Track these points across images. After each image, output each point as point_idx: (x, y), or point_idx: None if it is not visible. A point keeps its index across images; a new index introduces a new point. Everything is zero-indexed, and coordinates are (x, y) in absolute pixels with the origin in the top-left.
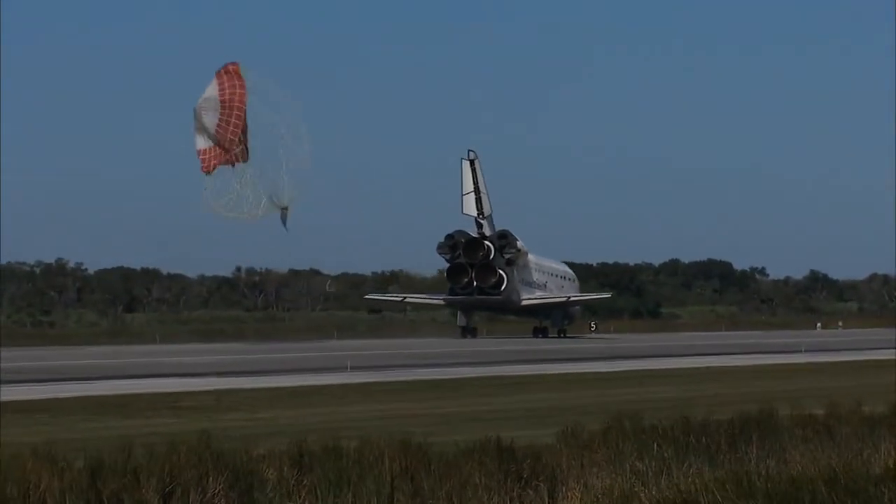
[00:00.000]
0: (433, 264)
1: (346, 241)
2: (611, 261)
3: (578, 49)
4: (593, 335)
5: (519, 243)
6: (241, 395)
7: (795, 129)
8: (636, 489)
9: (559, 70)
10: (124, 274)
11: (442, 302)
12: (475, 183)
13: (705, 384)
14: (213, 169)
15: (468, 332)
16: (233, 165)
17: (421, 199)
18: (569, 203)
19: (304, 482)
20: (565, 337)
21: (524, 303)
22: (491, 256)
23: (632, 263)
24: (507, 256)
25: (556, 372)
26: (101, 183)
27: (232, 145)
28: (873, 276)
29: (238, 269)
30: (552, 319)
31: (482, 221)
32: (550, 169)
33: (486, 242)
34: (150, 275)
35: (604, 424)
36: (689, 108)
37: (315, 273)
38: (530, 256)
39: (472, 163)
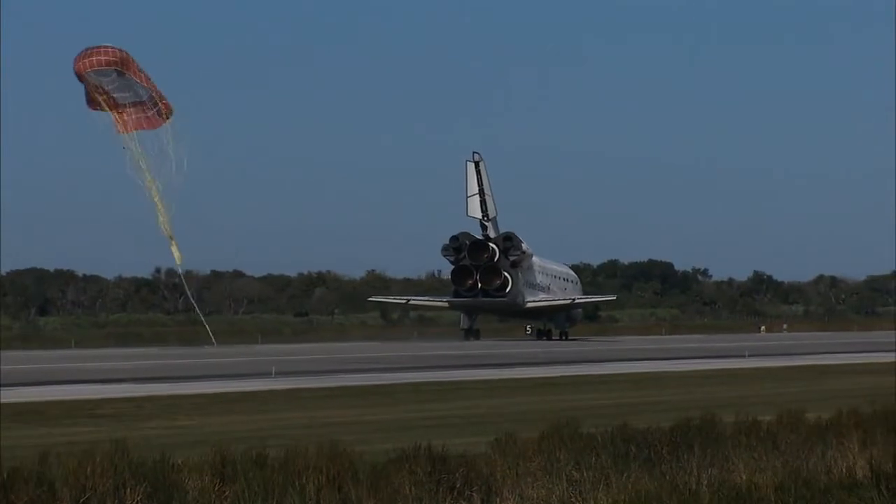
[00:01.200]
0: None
1: (270, 242)
2: None
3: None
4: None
5: (524, 245)
6: (162, 401)
7: (740, 124)
8: (573, 499)
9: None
10: (37, 276)
11: (446, 304)
12: (480, 185)
13: (646, 390)
14: (134, 129)
15: (471, 334)
16: (166, 119)
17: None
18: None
19: (227, 493)
20: (568, 339)
21: (528, 305)
22: (496, 258)
23: (569, 264)
24: (511, 258)
25: (493, 377)
26: (9, 182)
27: (155, 96)
28: (819, 278)
29: (157, 270)
30: (555, 322)
31: (487, 224)
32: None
33: (491, 244)
34: (65, 276)
35: (540, 432)
36: (627, 102)
37: (238, 275)
38: (534, 259)
39: (476, 165)
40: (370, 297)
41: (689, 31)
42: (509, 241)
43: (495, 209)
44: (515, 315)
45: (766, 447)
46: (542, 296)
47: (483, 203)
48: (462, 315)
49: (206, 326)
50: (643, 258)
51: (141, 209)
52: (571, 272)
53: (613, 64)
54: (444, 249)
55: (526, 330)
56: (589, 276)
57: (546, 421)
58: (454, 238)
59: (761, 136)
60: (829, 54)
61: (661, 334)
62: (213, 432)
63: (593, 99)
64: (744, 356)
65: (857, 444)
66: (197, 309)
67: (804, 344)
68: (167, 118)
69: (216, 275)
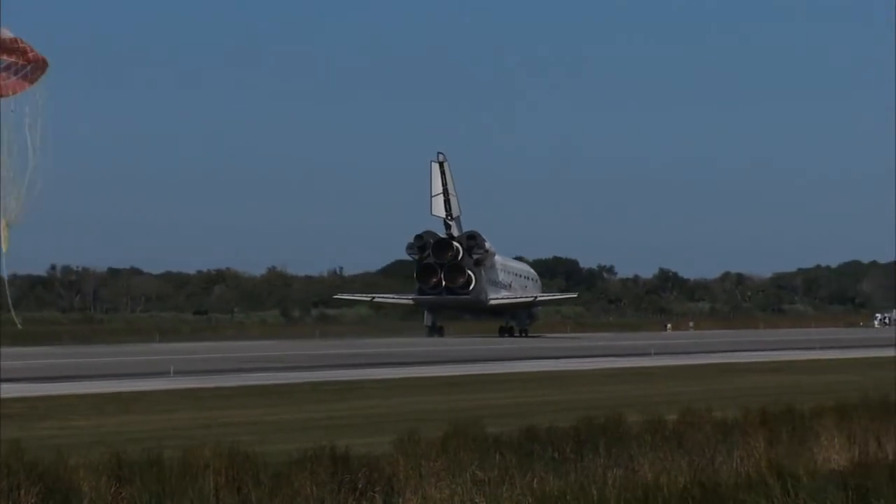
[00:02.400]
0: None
1: (168, 239)
2: None
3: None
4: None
5: (487, 244)
6: (57, 402)
7: (646, 121)
8: (477, 499)
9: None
10: None
11: (411, 301)
12: (444, 185)
13: (550, 389)
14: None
15: (435, 331)
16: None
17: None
18: (393, 194)
19: (123, 494)
20: (528, 336)
21: (491, 302)
22: (460, 257)
23: None
24: (475, 257)
25: (395, 376)
26: None
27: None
28: (725, 276)
29: (53, 267)
30: (517, 319)
31: (451, 223)
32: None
33: (455, 243)
34: None
35: (444, 432)
36: (537, 96)
37: (136, 272)
38: (497, 257)
39: (441, 165)
40: (349, 294)
41: (623, 31)
42: (473, 240)
43: (459, 208)
44: (479, 312)
45: (672, 446)
46: (504, 293)
47: (447, 202)
48: (425, 312)
49: (11, 310)
50: (548, 255)
51: (35, 204)
52: (531, 270)
53: (541, 60)
54: (409, 248)
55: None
56: None
57: (449, 421)
58: (418, 237)
59: (668, 132)
60: (746, 50)
61: (566, 332)
62: (109, 433)
63: (505, 94)
64: (650, 354)
65: (762, 443)
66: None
67: (710, 342)
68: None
69: (113, 272)
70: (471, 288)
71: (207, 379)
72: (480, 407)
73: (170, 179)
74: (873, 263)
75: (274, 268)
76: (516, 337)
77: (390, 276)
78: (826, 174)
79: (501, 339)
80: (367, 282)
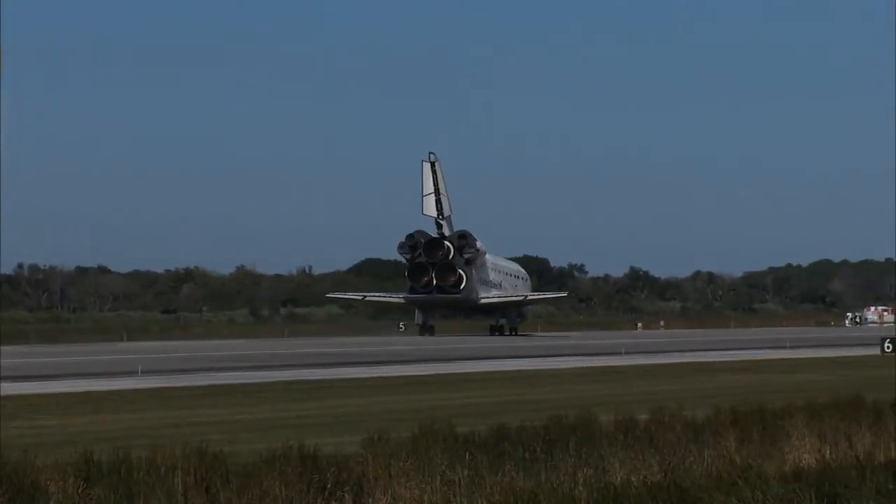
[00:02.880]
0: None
1: (136, 237)
2: None
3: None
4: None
5: (478, 243)
6: (24, 401)
7: (616, 119)
8: (447, 499)
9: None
10: None
11: (402, 300)
12: (436, 184)
13: (521, 388)
14: None
15: (426, 329)
16: None
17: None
18: (364, 192)
19: (92, 495)
20: (518, 335)
21: (482, 301)
22: (451, 256)
23: None
24: (466, 256)
25: (364, 375)
26: None
27: None
28: (696, 274)
29: (20, 265)
30: (508, 318)
31: (442, 222)
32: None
33: (446, 242)
34: None
35: (414, 431)
36: (503, 99)
37: (104, 271)
38: (487, 256)
39: (432, 164)
40: (341, 293)
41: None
42: (464, 239)
43: (450, 208)
44: (470, 311)
45: (643, 446)
46: (494, 292)
47: (438, 202)
48: (416, 311)
49: None
50: (518, 253)
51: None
52: (521, 269)
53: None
54: (400, 247)
55: (399, 327)
56: None
57: (419, 420)
58: (410, 236)
59: (638, 129)
60: (718, 46)
61: (537, 331)
62: (77, 432)
63: (479, 89)
64: (620, 353)
65: (733, 442)
66: None
67: (681, 341)
68: None
69: (81, 271)
70: (462, 287)
71: (176, 378)
72: (451, 406)
73: (138, 177)
74: (844, 262)
75: (243, 266)
76: (506, 336)
77: (361, 274)
78: (796, 172)
79: (478, 337)
80: (337, 280)
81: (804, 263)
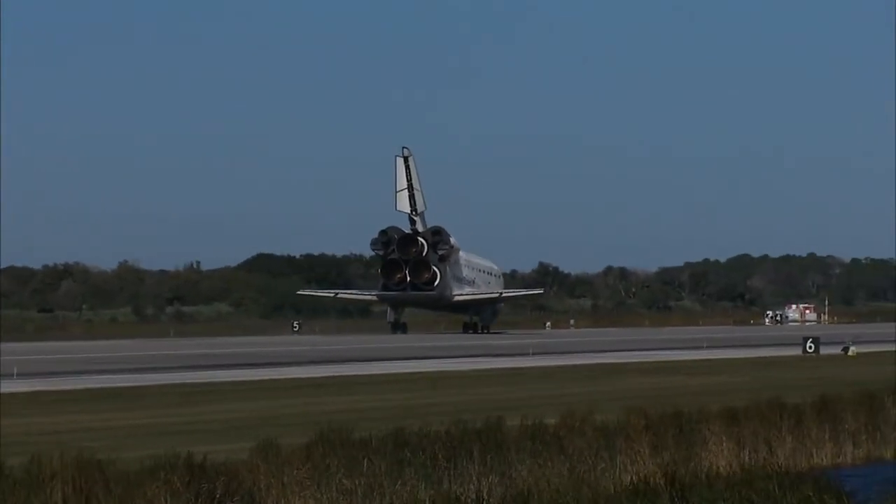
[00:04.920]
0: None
1: (12, 230)
2: (316, 252)
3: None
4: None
5: (452, 240)
6: None
7: (522, 111)
8: None
9: None
10: None
11: (374, 298)
12: (409, 180)
13: (423, 391)
14: None
15: (398, 327)
16: None
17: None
18: (265, 187)
19: None
20: (490, 333)
21: (456, 299)
22: (425, 253)
23: (339, 255)
24: (440, 253)
25: (255, 378)
26: None
27: None
28: (608, 270)
29: None
30: (482, 315)
31: (416, 218)
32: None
33: (420, 239)
34: None
35: (308, 438)
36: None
37: None
38: (461, 253)
39: (406, 160)
40: (312, 290)
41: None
42: (438, 236)
43: (424, 204)
44: (443, 309)
45: (552, 452)
46: (468, 289)
47: (412, 198)
48: (388, 308)
49: None
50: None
51: None
52: (494, 266)
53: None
54: (373, 243)
55: (293, 327)
56: (361, 269)
57: (313, 425)
58: (383, 232)
59: (547, 120)
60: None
61: (441, 331)
62: None
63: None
64: (528, 354)
65: (647, 447)
66: None
67: (592, 341)
68: None
69: None
70: (435, 284)
71: (54, 381)
72: (348, 410)
73: (12, 165)
74: (764, 258)
75: (126, 262)
76: (479, 334)
77: (253, 270)
78: (712, 162)
79: (390, 336)
80: (226, 277)
81: (722, 259)
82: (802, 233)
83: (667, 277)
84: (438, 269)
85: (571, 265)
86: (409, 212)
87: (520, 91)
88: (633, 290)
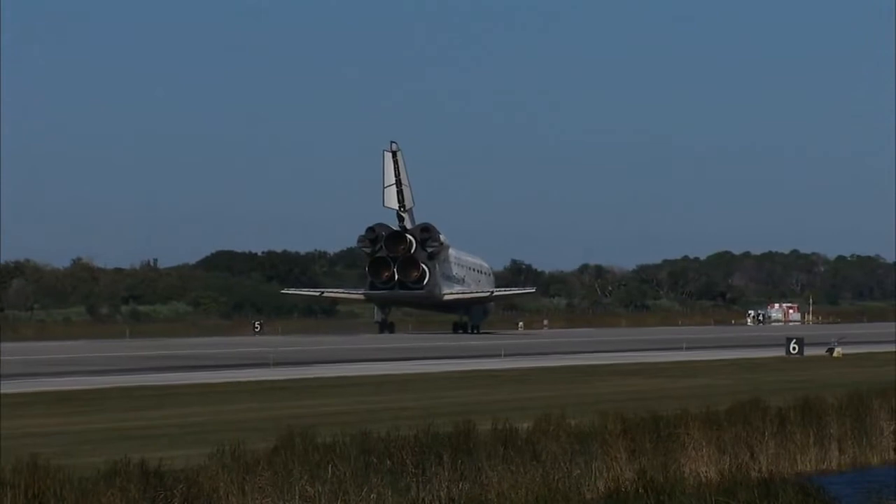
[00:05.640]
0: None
1: None
2: (279, 249)
3: None
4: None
5: (441, 237)
6: None
7: (497, 104)
8: None
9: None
10: None
11: (362, 296)
12: (397, 175)
13: (391, 394)
14: None
15: (385, 327)
16: None
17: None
18: (223, 184)
19: None
20: (480, 333)
21: (446, 297)
22: (413, 250)
23: (303, 252)
24: (429, 250)
25: (218, 381)
26: None
27: None
28: (584, 268)
29: None
30: (472, 315)
31: (404, 214)
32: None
33: (409, 236)
34: None
35: (271, 443)
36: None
37: None
38: (451, 250)
39: (394, 154)
40: (297, 289)
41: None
42: (427, 233)
43: (412, 200)
44: (432, 308)
45: (525, 458)
46: (458, 288)
47: (400, 193)
48: (375, 308)
49: None
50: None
51: None
52: (485, 264)
53: None
54: (360, 241)
55: (254, 327)
56: (325, 266)
57: (275, 430)
58: (370, 229)
59: (522, 111)
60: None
61: (408, 331)
62: None
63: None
64: (500, 356)
65: (624, 453)
66: None
67: (567, 342)
68: None
69: None
70: (424, 282)
71: (4, 384)
72: (312, 414)
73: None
74: (746, 255)
75: (79, 259)
76: (469, 334)
77: (211, 268)
78: (692, 156)
79: (357, 336)
80: (184, 275)
81: (702, 256)
82: (785, 229)
83: (644, 275)
84: (427, 267)
85: (545, 263)
86: (397, 208)
87: (497, 85)
88: (610, 288)
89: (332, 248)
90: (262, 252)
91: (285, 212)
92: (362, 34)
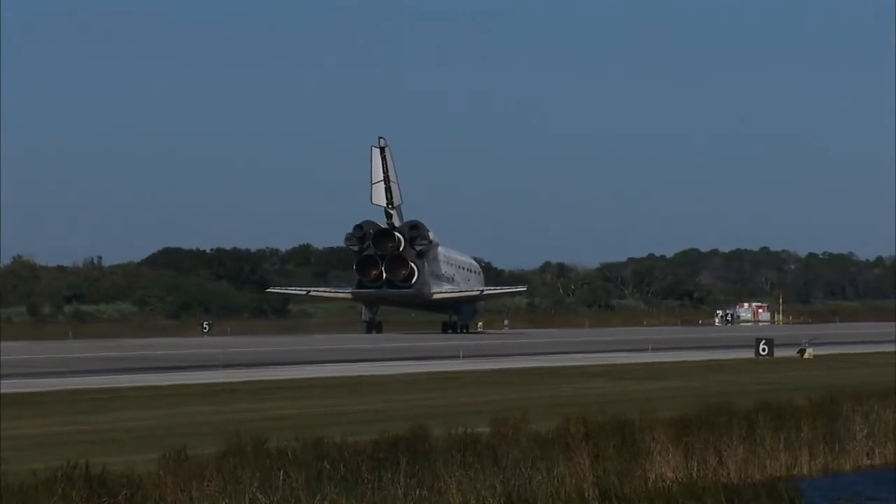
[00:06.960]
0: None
1: None
2: (228, 246)
3: None
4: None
5: (430, 234)
6: None
7: (463, 89)
8: None
9: None
10: None
11: (349, 296)
12: (385, 172)
13: (344, 398)
14: None
15: (373, 326)
16: None
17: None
18: (173, 175)
19: None
20: (469, 332)
21: (435, 296)
22: (401, 248)
23: (253, 249)
24: (418, 248)
25: (165, 383)
26: None
27: None
28: (546, 266)
29: None
30: (461, 314)
31: (392, 212)
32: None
33: (397, 233)
34: None
35: (219, 448)
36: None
37: None
38: (440, 248)
39: (382, 150)
40: (282, 288)
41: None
42: (416, 230)
43: (401, 197)
44: (421, 307)
45: (484, 464)
46: (447, 287)
47: (388, 190)
48: (362, 307)
49: None
50: (339, 243)
51: None
52: (474, 263)
53: None
54: (348, 238)
55: (203, 328)
56: (277, 263)
57: (225, 434)
58: (358, 227)
59: (483, 106)
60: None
61: (363, 332)
62: None
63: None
64: (458, 357)
65: (587, 458)
66: None
67: (528, 342)
68: None
69: None
70: (413, 281)
71: None
72: (263, 418)
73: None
74: (714, 252)
75: (20, 257)
76: (458, 333)
77: (158, 266)
78: (657, 151)
79: (311, 337)
80: (129, 273)
81: (668, 254)
82: (755, 226)
83: (608, 274)
84: (416, 265)
85: (505, 261)
86: (385, 205)
87: (452, 77)
88: (573, 287)
89: (285, 246)
90: (211, 249)
91: (238, 208)
92: (348, 29)
